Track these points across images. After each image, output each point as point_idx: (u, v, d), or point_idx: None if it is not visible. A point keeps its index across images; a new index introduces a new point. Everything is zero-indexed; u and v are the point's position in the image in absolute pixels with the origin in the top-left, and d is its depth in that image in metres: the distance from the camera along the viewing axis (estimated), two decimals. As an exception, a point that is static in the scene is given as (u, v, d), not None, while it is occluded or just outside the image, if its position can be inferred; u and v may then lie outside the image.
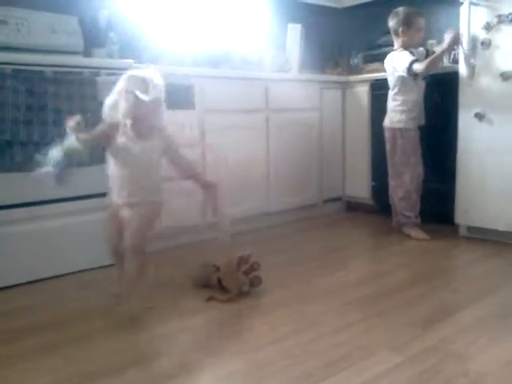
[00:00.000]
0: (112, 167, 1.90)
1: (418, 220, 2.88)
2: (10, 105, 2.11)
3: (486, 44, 2.58)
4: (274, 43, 3.70)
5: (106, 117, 1.86)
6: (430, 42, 3.44)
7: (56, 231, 2.32)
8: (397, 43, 2.91)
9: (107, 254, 1.98)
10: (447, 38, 2.69)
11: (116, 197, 1.90)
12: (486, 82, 2.62)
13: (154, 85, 1.80)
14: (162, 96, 1.86)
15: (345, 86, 3.66)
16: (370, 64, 3.70)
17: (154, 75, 1.84)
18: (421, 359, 1.47)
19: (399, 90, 2.86)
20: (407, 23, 2.84)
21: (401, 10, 2.87)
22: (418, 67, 2.70)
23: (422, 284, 2.15)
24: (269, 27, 3.77)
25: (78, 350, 1.60)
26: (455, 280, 2.21)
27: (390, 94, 2.95)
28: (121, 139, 1.85)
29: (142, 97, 1.75)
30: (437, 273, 2.32)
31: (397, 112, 2.88)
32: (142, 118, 1.82)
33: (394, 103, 2.91)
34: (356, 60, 4.06)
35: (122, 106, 1.80)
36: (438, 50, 2.84)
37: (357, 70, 3.94)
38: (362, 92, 3.52)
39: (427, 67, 2.68)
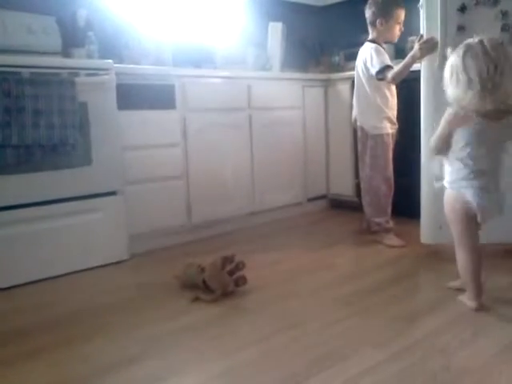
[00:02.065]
0: None
1: (390, 224, 2.75)
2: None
3: (462, 28, 2.31)
4: (256, 42, 3.69)
5: None
6: (411, 38, 3.44)
7: (48, 233, 2.30)
8: (372, 34, 2.73)
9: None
10: (418, 44, 2.36)
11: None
12: None
13: None
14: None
15: (327, 84, 3.67)
16: (352, 62, 3.70)
17: None
18: (405, 355, 1.48)
19: (377, 87, 2.69)
20: (386, 14, 2.65)
21: None
22: (387, 77, 2.56)
23: (405, 280, 2.16)
24: (250, 26, 3.76)
25: (64, 354, 1.58)
26: (439, 276, 2.22)
27: (366, 91, 2.73)
28: None
29: None
30: (421, 269, 2.34)
31: (374, 115, 2.71)
32: None
33: (370, 103, 2.72)
34: (337, 58, 4.07)
35: None
36: (407, 58, 2.46)
37: (338, 68, 3.96)
38: (344, 90, 3.53)
39: (394, 79, 2.54)
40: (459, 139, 1.72)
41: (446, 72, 1.71)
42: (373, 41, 2.73)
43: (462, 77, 1.63)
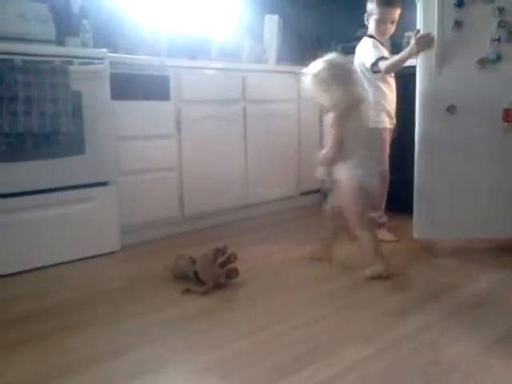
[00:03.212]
0: None
1: (384, 219, 2.74)
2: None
3: (459, 24, 2.28)
4: (252, 34, 3.67)
5: None
6: (407, 34, 3.43)
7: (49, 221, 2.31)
8: (369, 29, 2.73)
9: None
10: (414, 39, 2.33)
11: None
12: (459, 69, 2.32)
13: None
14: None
15: (323, 78, 3.65)
16: (349, 56, 3.68)
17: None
18: (393, 349, 1.48)
19: (372, 81, 2.66)
20: (375, 12, 2.64)
21: None
22: (380, 67, 2.55)
23: (397, 275, 2.16)
24: (246, 17, 3.74)
25: (54, 343, 1.57)
26: (430, 271, 2.23)
27: (363, 86, 2.65)
28: None
29: None
30: (412, 264, 2.34)
31: (372, 109, 2.64)
32: None
33: (367, 97, 2.64)
34: (334, 52, 4.05)
35: None
36: (403, 52, 2.44)
37: (335, 62, 3.94)
38: (340, 84, 3.52)
39: (386, 69, 2.54)
40: (348, 135, 2.08)
41: (317, 85, 2.11)
42: (371, 35, 2.72)
43: (339, 81, 2.07)
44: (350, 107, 2.08)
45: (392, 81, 2.73)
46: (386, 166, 2.74)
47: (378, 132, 2.70)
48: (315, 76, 2.11)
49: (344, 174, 2.13)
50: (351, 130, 2.09)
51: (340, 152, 2.09)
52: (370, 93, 2.70)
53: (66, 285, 2.12)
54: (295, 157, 3.54)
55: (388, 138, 2.74)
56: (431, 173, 2.41)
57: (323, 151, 2.17)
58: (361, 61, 2.71)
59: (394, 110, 2.76)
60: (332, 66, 2.11)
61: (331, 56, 2.17)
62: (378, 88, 2.68)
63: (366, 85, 2.70)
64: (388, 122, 2.72)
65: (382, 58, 2.57)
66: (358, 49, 2.78)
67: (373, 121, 2.71)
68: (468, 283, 2.03)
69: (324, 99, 2.14)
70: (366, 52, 2.66)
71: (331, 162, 2.15)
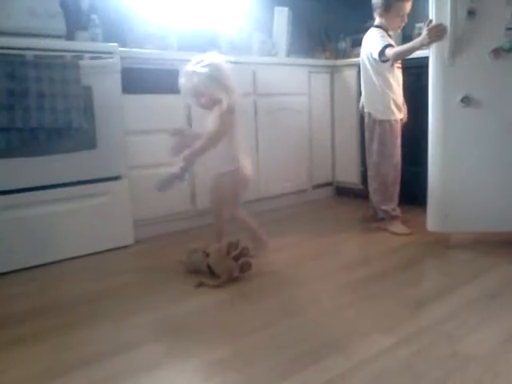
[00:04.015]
0: None
1: (397, 212, 2.74)
2: (-10, 90, 2.06)
3: (473, 13, 2.22)
4: (261, 27, 3.65)
5: None
6: (419, 25, 3.40)
7: (52, 217, 2.30)
8: (376, 21, 2.73)
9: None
10: (426, 30, 2.28)
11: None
12: (473, 59, 2.26)
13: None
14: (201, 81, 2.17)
15: (333, 70, 3.63)
16: (358, 48, 3.65)
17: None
18: (411, 341, 1.47)
19: (380, 72, 2.66)
20: (386, 6, 2.63)
21: None
22: (387, 55, 2.52)
23: (411, 267, 2.15)
24: (256, 10, 3.72)
25: (61, 339, 1.57)
26: (445, 263, 2.21)
27: (370, 76, 2.72)
28: None
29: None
30: (426, 256, 2.32)
31: (380, 100, 2.69)
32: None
33: (375, 87, 2.69)
34: (344, 44, 4.03)
35: None
36: (415, 42, 2.43)
37: (345, 54, 3.92)
38: (351, 76, 3.50)
39: (393, 56, 2.51)
40: (230, 131, 2.19)
41: (207, 83, 2.16)
42: (378, 27, 2.70)
43: (226, 81, 2.18)
44: (231, 107, 2.16)
45: (399, 73, 2.71)
46: (398, 159, 2.72)
47: (388, 124, 2.69)
48: (202, 74, 2.17)
49: (221, 168, 2.24)
50: (231, 127, 2.19)
51: (216, 145, 2.17)
52: (376, 85, 2.69)
53: (79, 279, 2.13)
54: (307, 150, 3.53)
55: (398, 129, 2.72)
56: (445, 165, 2.38)
57: (198, 142, 2.19)
58: (368, 51, 2.69)
59: (402, 101, 2.74)
60: (218, 67, 2.19)
61: (214, 56, 2.23)
62: (385, 79, 2.67)
63: (374, 77, 2.69)
64: (398, 114, 2.70)
65: (389, 46, 2.55)
66: (364, 40, 2.77)
67: (382, 112, 2.69)
68: (483, 276, 2.01)
69: (208, 97, 2.19)
70: (373, 42, 2.64)
71: (203, 152, 2.19)
